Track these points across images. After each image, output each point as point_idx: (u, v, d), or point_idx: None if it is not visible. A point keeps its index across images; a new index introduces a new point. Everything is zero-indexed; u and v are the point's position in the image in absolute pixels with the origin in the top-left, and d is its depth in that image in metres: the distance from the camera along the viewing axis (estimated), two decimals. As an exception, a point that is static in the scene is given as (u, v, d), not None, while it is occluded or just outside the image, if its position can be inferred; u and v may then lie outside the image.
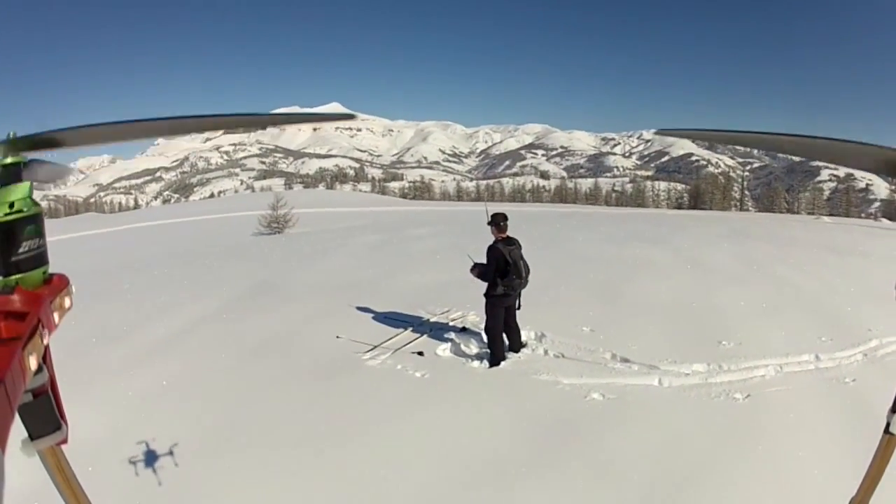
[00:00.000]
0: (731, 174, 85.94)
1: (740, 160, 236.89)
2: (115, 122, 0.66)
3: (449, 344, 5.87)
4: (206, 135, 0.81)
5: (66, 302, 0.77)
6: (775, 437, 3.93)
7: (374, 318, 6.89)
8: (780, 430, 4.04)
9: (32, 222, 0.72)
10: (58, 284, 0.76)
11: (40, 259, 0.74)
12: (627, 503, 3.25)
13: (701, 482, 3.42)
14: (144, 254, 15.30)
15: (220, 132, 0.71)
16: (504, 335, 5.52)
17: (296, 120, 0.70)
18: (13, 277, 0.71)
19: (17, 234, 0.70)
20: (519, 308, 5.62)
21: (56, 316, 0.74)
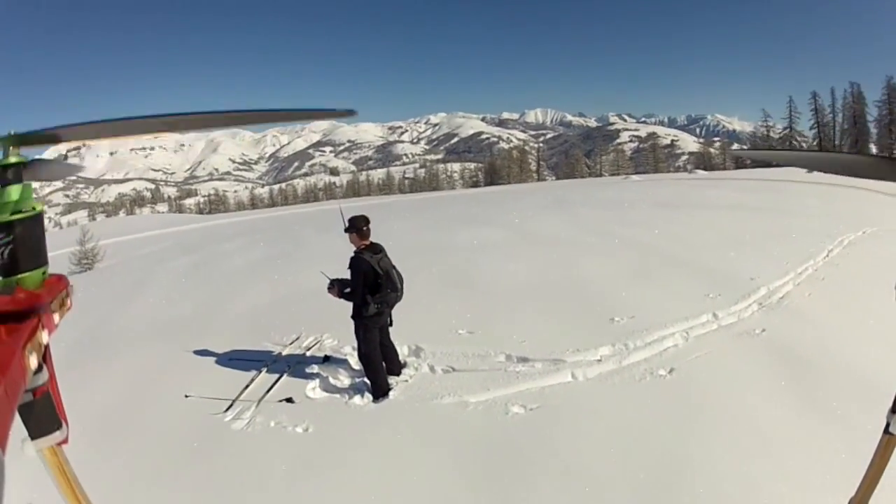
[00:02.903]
0: (525, 147, 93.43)
1: (532, 133, 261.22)
2: (110, 120, 0.76)
3: (317, 381, 5.19)
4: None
5: (66, 302, 0.86)
6: (719, 401, 4.02)
7: (217, 362, 5.98)
8: (720, 394, 4.14)
9: (32, 222, 0.81)
10: (57, 285, 0.85)
11: (40, 259, 0.82)
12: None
13: (680, 466, 3.33)
14: None
15: (213, 128, 0.83)
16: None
17: (293, 118, 0.81)
18: (13, 277, 0.79)
19: (17, 234, 0.77)
20: (391, 325, 5.11)
21: (56, 316, 0.82)
